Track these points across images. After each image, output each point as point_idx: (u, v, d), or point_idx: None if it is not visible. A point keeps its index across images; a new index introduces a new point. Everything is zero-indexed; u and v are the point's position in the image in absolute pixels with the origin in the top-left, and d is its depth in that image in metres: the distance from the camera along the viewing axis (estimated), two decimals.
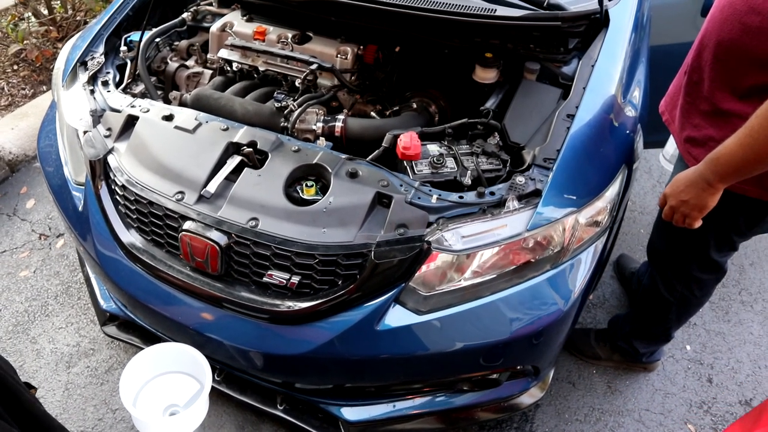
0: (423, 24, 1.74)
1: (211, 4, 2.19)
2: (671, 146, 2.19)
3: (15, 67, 3.46)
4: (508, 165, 1.53)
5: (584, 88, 1.64)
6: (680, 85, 1.58)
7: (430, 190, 1.41)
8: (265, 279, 1.43)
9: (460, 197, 1.40)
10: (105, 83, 1.84)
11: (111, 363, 2.07)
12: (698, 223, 1.41)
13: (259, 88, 1.88)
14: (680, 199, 1.38)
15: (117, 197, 1.63)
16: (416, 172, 1.49)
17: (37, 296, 2.29)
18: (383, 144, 1.57)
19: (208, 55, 2.04)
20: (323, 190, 1.46)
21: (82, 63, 1.92)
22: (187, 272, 1.51)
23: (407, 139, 1.48)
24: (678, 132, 1.58)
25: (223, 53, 1.96)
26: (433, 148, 1.56)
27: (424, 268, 1.36)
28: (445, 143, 1.59)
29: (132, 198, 1.56)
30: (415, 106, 1.83)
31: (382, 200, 1.40)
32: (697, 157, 1.45)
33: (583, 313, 2.32)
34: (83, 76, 1.87)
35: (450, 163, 1.52)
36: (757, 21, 1.25)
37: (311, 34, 1.94)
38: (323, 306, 1.38)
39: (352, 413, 1.65)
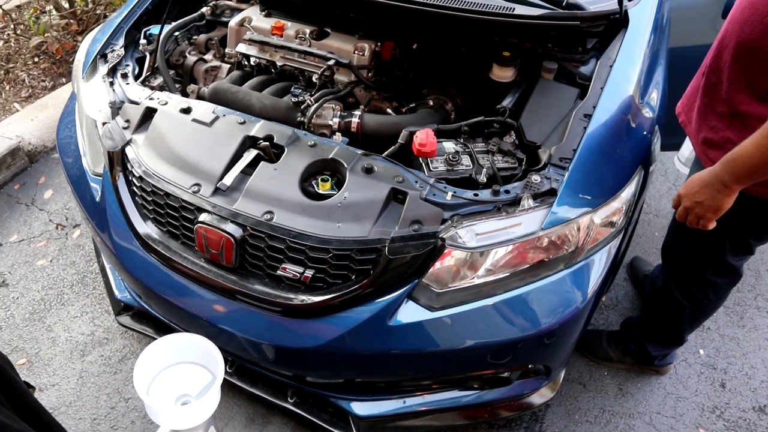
0: (441, 21, 1.74)
1: None
2: (686, 149, 2.17)
3: (36, 59, 3.50)
4: (523, 164, 1.53)
5: (602, 89, 1.63)
6: (698, 86, 1.57)
7: (445, 187, 1.41)
8: (279, 272, 1.44)
9: (475, 195, 1.40)
10: (124, 75, 1.86)
11: (125, 353, 2.09)
12: (712, 225, 1.40)
13: (277, 82, 1.89)
14: (695, 200, 1.37)
15: (134, 188, 1.64)
16: (431, 169, 1.50)
17: (53, 285, 2.32)
18: (399, 140, 1.57)
19: (227, 50, 2.06)
20: (338, 185, 1.46)
21: (102, 55, 1.94)
22: (201, 264, 1.53)
23: (423, 136, 1.48)
24: (695, 134, 1.57)
25: (241, 48, 1.97)
26: (449, 146, 1.56)
27: (437, 264, 1.37)
28: (461, 141, 1.58)
29: (149, 189, 1.58)
30: (431, 103, 1.83)
31: (397, 196, 1.41)
32: (713, 159, 1.44)
33: (595, 315, 2.31)
34: (103, 69, 1.89)
35: (465, 160, 1.52)
36: None
37: (329, 30, 1.95)
38: (336, 300, 1.39)
39: (362, 408, 1.66)
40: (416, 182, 1.42)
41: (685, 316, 1.86)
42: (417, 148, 1.48)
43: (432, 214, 1.36)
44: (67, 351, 2.10)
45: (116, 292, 1.97)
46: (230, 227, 1.42)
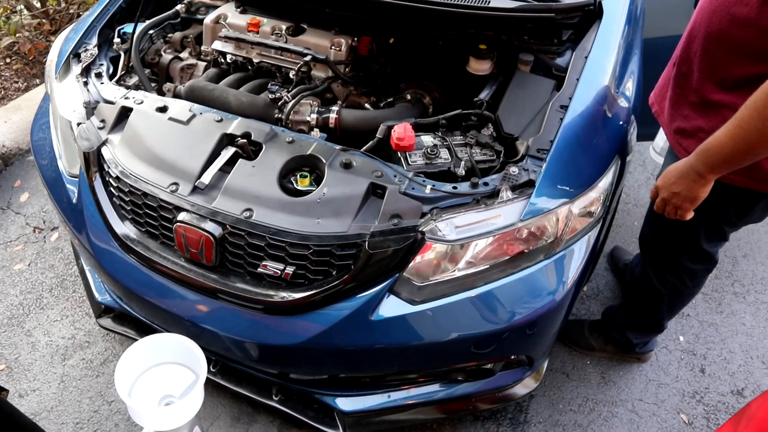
0: (417, 15, 1.74)
1: None
2: (661, 139, 2.20)
3: (8, 60, 3.44)
4: (501, 156, 1.53)
5: (578, 80, 1.65)
6: (669, 76, 1.59)
7: (423, 181, 1.42)
8: (259, 270, 1.43)
9: (454, 188, 1.40)
10: (98, 75, 1.84)
11: (106, 355, 2.07)
12: (690, 215, 1.42)
13: (253, 79, 1.87)
14: (672, 191, 1.39)
15: (111, 189, 1.62)
16: (410, 163, 1.50)
17: (32, 289, 2.28)
18: (377, 135, 1.58)
19: (202, 47, 2.04)
20: (317, 180, 1.46)
21: (76, 55, 1.91)
22: (181, 263, 1.51)
23: (401, 130, 1.48)
24: (668, 123, 1.59)
25: (217, 45, 1.96)
26: (427, 139, 1.56)
27: (418, 258, 1.37)
28: (439, 134, 1.59)
29: (126, 189, 1.56)
30: (409, 97, 1.83)
31: (376, 191, 1.41)
32: (687, 148, 1.46)
33: (576, 305, 2.34)
34: (76, 68, 1.86)
35: (444, 154, 1.52)
36: (744, 12, 1.25)
37: (305, 26, 1.94)
38: (318, 296, 1.39)
39: (347, 403, 1.66)
40: (395, 176, 1.42)
41: (663, 303, 1.88)
42: (395, 142, 1.48)
43: (411, 208, 1.36)
44: (48, 355, 2.07)
45: (96, 295, 1.95)
46: (209, 226, 1.41)
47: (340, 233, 1.36)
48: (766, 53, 1.25)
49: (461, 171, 1.47)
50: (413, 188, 1.40)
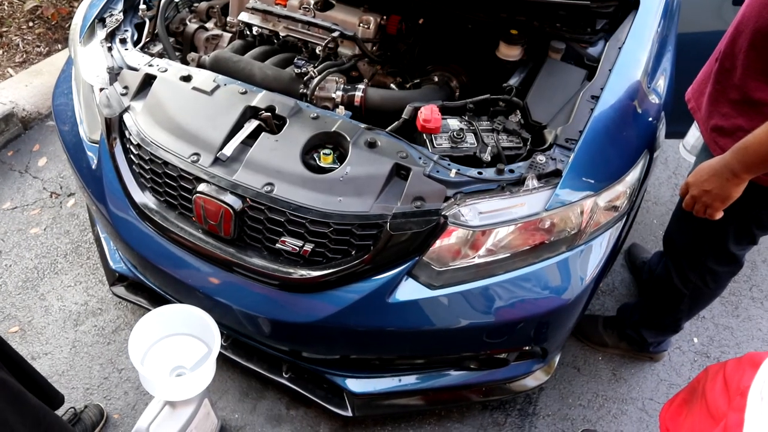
0: None
1: None
2: (692, 137, 2.15)
3: (30, 24, 3.43)
4: (528, 143, 1.50)
5: (610, 71, 1.61)
6: (710, 72, 1.54)
7: (448, 164, 1.39)
8: (277, 245, 1.42)
9: (479, 173, 1.38)
10: (123, 41, 1.82)
11: (118, 323, 2.07)
12: (719, 215, 1.38)
13: (279, 53, 1.85)
14: (703, 189, 1.35)
15: (131, 157, 1.61)
16: (435, 145, 1.47)
17: (47, 254, 2.29)
18: (403, 116, 1.55)
19: (228, 18, 2.01)
20: (340, 158, 1.44)
21: (101, 20, 1.90)
22: (199, 235, 1.50)
23: (428, 112, 1.46)
24: (704, 120, 1.54)
25: (244, 17, 1.93)
26: (454, 123, 1.54)
27: (438, 242, 1.35)
28: (466, 118, 1.56)
29: (147, 158, 1.55)
30: (436, 79, 1.80)
31: (400, 172, 1.38)
32: (723, 147, 1.41)
33: (592, 300, 2.31)
34: (101, 33, 1.85)
35: (470, 138, 1.49)
36: None
37: (334, 2, 1.90)
38: (335, 275, 1.37)
39: (357, 385, 1.66)
40: (420, 158, 1.40)
41: (683, 303, 1.85)
42: (421, 124, 1.45)
43: (435, 191, 1.34)
44: (60, 320, 2.08)
45: (111, 263, 1.95)
46: (229, 198, 1.40)
47: (361, 213, 1.34)
48: None
49: (487, 157, 1.44)
50: (438, 171, 1.37)
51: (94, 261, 2.26)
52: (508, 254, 1.38)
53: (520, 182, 1.37)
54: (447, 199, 1.34)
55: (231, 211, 1.40)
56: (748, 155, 1.24)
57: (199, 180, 1.44)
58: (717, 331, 2.29)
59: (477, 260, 1.38)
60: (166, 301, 1.76)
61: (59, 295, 2.15)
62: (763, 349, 2.24)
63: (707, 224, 1.49)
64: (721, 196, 1.33)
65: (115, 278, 1.97)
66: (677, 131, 2.21)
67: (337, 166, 1.41)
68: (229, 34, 1.98)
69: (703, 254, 1.70)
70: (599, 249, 1.47)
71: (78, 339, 2.02)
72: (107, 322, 2.07)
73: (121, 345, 2.00)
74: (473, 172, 1.38)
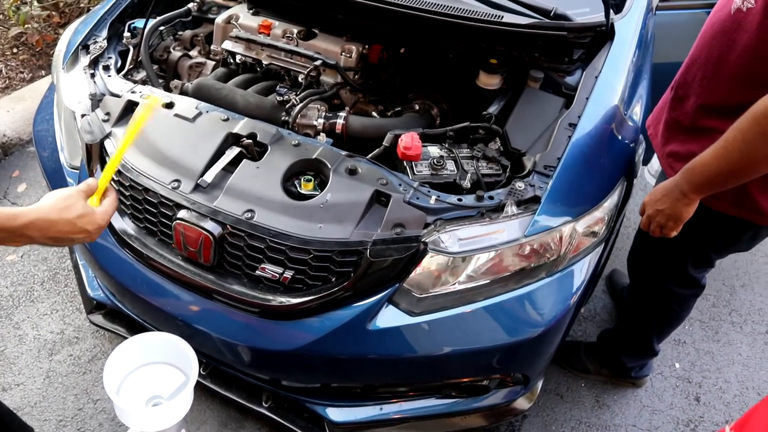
0: (429, 26, 1.74)
1: None
2: (656, 161, 2.20)
3: (14, 50, 3.43)
4: (508, 170, 1.52)
5: (587, 99, 1.64)
6: (666, 100, 1.60)
7: (428, 191, 1.40)
8: (257, 272, 1.41)
9: (459, 200, 1.39)
10: (106, 68, 1.83)
11: (95, 352, 2.03)
12: (674, 233, 1.42)
13: (262, 81, 1.86)
14: (656, 208, 1.40)
15: (112, 183, 1.60)
16: (416, 172, 1.48)
17: (23, 281, 2.25)
18: (384, 143, 1.56)
19: (212, 47, 2.03)
20: (321, 185, 1.44)
21: (84, 47, 1.90)
22: (178, 262, 1.49)
23: (408, 140, 1.47)
24: (661, 146, 1.60)
25: (228, 45, 1.95)
26: (434, 150, 1.55)
27: (419, 269, 1.35)
28: (446, 146, 1.58)
29: (127, 184, 1.54)
30: (417, 107, 1.82)
31: (380, 199, 1.39)
32: (678, 171, 1.45)
33: (573, 326, 2.31)
34: (84, 60, 1.85)
35: (450, 165, 1.51)
36: (744, 38, 1.26)
37: (317, 31, 1.93)
38: (315, 302, 1.37)
39: (338, 414, 1.63)
40: (400, 185, 1.40)
41: (651, 326, 1.89)
42: (402, 151, 1.46)
43: (415, 218, 1.34)
44: (35, 350, 2.03)
45: (89, 290, 1.92)
46: (209, 225, 1.39)
47: (341, 239, 1.34)
48: (762, 80, 1.25)
49: (467, 184, 1.46)
50: (418, 198, 1.38)
51: (71, 288, 2.23)
52: (489, 280, 1.39)
53: (499, 209, 1.38)
54: (427, 225, 1.35)
55: (211, 237, 1.39)
56: (695, 176, 1.28)
57: (180, 206, 1.44)
58: (698, 356, 2.30)
59: (457, 286, 1.38)
60: (145, 330, 1.74)
61: (34, 323, 2.11)
62: (743, 374, 2.25)
63: (666, 248, 1.53)
64: (673, 215, 1.37)
65: (92, 306, 1.93)
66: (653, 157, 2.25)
67: (317, 193, 1.41)
68: (213, 62, 1.99)
69: (664, 278, 1.74)
70: (579, 274, 1.48)
71: (52, 369, 1.98)
72: (83, 351, 2.03)
73: (97, 375, 1.96)
74: (453, 198, 1.39)
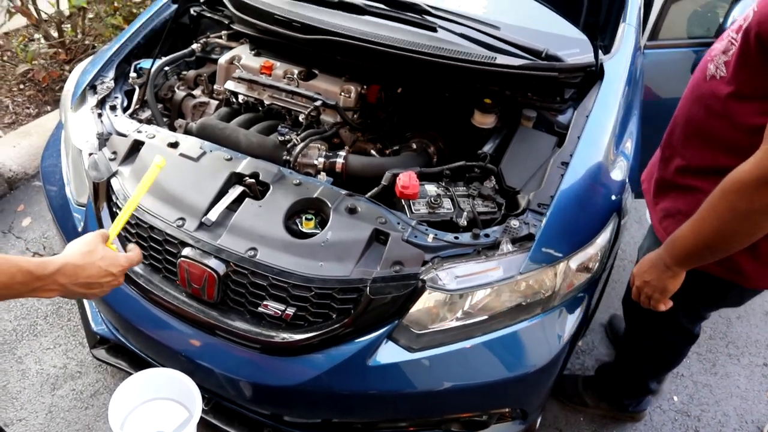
0: (425, 68, 1.80)
1: (220, 37, 2.25)
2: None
3: (21, 86, 3.51)
4: (503, 208, 1.57)
5: (579, 138, 1.69)
6: (657, 158, 1.63)
7: (426, 230, 1.44)
8: (260, 309, 1.44)
9: (456, 238, 1.43)
10: (113, 107, 1.88)
11: (97, 387, 2.05)
12: (663, 307, 1.40)
13: (264, 120, 1.92)
14: (643, 280, 1.39)
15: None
16: (413, 211, 1.53)
17: (26, 315, 2.28)
18: (382, 182, 1.61)
19: (215, 86, 2.09)
20: (322, 224, 1.49)
21: (92, 87, 1.96)
22: (182, 298, 1.52)
23: (406, 179, 1.52)
24: (651, 202, 1.61)
25: (230, 85, 2.01)
26: (431, 189, 1.60)
27: (417, 306, 1.39)
28: (443, 184, 1.62)
29: (132, 222, 1.58)
30: (414, 146, 1.88)
31: (379, 237, 1.43)
32: (667, 228, 1.48)
33: (571, 359, 2.33)
34: (92, 100, 1.91)
35: (447, 203, 1.55)
36: (717, 105, 1.28)
37: (317, 72, 2.00)
38: (317, 339, 1.40)
39: None
40: (398, 224, 1.45)
41: (646, 368, 1.90)
42: (400, 190, 1.51)
43: (413, 256, 1.38)
44: (37, 384, 2.05)
45: (92, 324, 1.94)
46: (213, 262, 1.43)
47: (342, 277, 1.37)
48: (736, 147, 1.24)
49: (463, 222, 1.50)
50: (416, 236, 1.42)
51: (75, 323, 2.25)
52: (486, 317, 1.42)
53: (495, 246, 1.42)
54: (425, 263, 1.39)
55: (215, 275, 1.43)
56: (676, 249, 1.28)
57: (184, 244, 1.48)
58: (696, 389, 2.32)
59: (455, 323, 1.41)
60: (148, 365, 1.76)
61: (37, 357, 2.13)
62: (742, 407, 2.27)
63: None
64: (659, 288, 1.37)
65: (96, 341, 1.95)
66: None
67: (318, 232, 1.45)
68: (216, 102, 2.05)
69: (657, 327, 1.75)
70: (574, 310, 1.52)
71: (55, 404, 1.99)
72: (86, 386, 2.05)
73: (99, 410, 1.97)
74: (450, 236, 1.43)
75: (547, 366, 1.47)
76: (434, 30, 1.82)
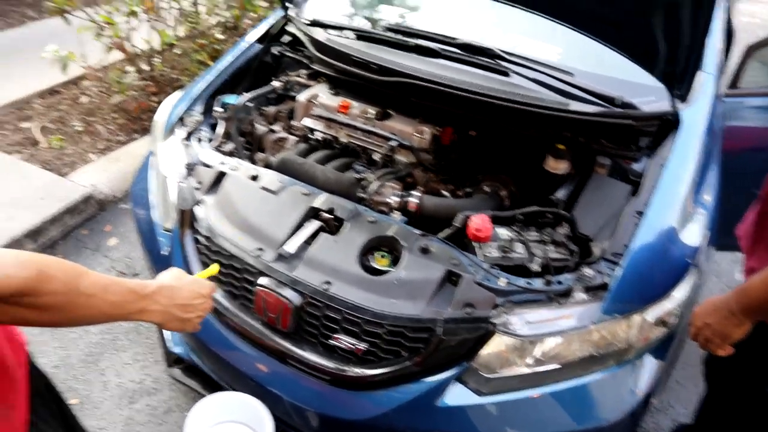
0: (499, 111, 1.83)
1: (300, 76, 2.36)
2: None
3: (114, 115, 3.77)
4: (576, 256, 1.56)
5: (654, 187, 1.67)
6: (755, 211, 1.58)
7: (498, 273, 1.46)
8: (332, 342, 1.49)
9: (528, 283, 1.44)
10: (199, 140, 2.01)
11: (170, 405, 2.14)
12: (722, 352, 1.35)
13: (340, 157, 1.99)
14: (704, 321, 1.35)
15: (200, 246, 1.74)
16: (485, 254, 1.54)
17: (109, 330, 2.42)
18: (455, 223, 1.63)
19: (293, 122, 2.19)
20: (395, 261, 1.53)
21: (181, 119, 2.10)
22: (257, 326, 1.59)
23: (479, 221, 1.54)
24: (745, 259, 1.56)
25: (308, 122, 2.10)
26: (503, 233, 1.61)
27: (487, 349, 1.40)
28: (515, 228, 1.63)
29: (214, 249, 1.67)
30: (486, 189, 1.90)
31: (451, 278, 1.46)
32: None
33: (644, 418, 2.24)
34: (181, 132, 2.04)
35: (519, 248, 1.56)
36: None
37: (392, 112, 2.06)
38: (387, 375, 1.43)
39: None
40: (470, 266, 1.47)
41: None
42: (472, 232, 1.53)
43: (485, 299, 1.40)
44: (117, 396, 2.16)
45: (170, 344, 2.04)
46: (289, 293, 1.49)
47: (413, 316, 1.40)
48: None
49: (536, 267, 1.50)
50: (488, 279, 1.44)
51: (152, 341, 2.37)
52: (556, 365, 1.41)
53: (567, 294, 1.42)
54: (496, 306, 1.40)
55: (290, 305, 1.49)
56: (747, 297, 1.24)
57: (262, 274, 1.55)
58: None
59: (525, 369, 1.41)
60: (219, 388, 1.83)
61: (117, 371, 2.25)
62: None
63: (739, 367, 1.44)
64: (720, 332, 1.32)
65: (172, 360, 2.05)
66: (727, 244, 2.22)
67: (391, 269, 1.49)
68: (294, 137, 2.15)
69: (742, 392, 1.65)
70: (649, 365, 1.49)
71: (131, 417, 2.10)
72: (160, 403, 2.15)
73: (172, 427, 2.06)
74: (522, 281, 1.44)
75: (620, 422, 1.43)
76: (507, 75, 1.85)
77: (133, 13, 3.45)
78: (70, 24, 3.35)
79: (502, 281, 1.43)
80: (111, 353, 2.32)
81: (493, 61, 1.89)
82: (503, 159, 2.04)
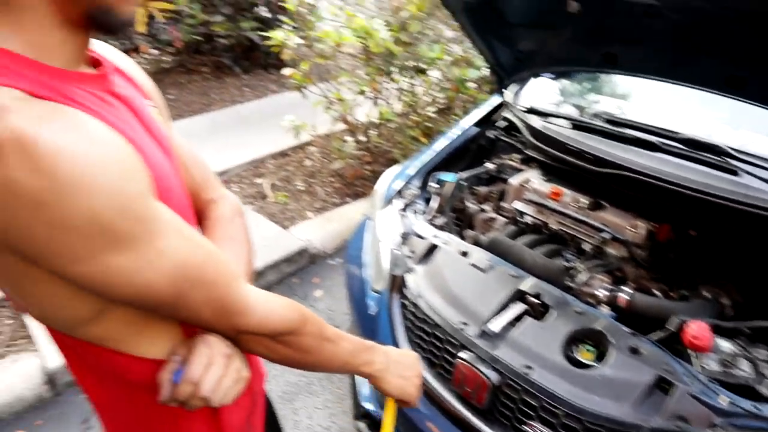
0: (723, 213, 1.72)
1: (512, 159, 2.46)
2: None
3: (331, 179, 4.24)
4: None
5: None
6: None
7: (718, 389, 1.35)
8: (525, 428, 1.48)
9: (756, 407, 1.30)
10: (415, 212, 2.18)
11: None
12: None
13: (548, 243, 2.02)
14: None
15: (406, 311, 1.87)
16: (703, 365, 1.44)
17: (305, 374, 2.65)
18: (669, 327, 1.55)
19: (504, 204, 2.28)
20: (600, 357, 1.49)
21: (399, 191, 2.31)
22: (450, 398, 1.64)
23: (697, 328, 1.45)
24: None
25: (519, 205, 2.17)
26: (725, 345, 1.49)
27: None
28: (740, 343, 1.50)
29: (419, 315, 1.78)
30: (706, 294, 1.77)
31: (662, 384, 1.38)
32: None
33: None
34: (398, 202, 2.24)
35: (744, 365, 1.43)
36: None
37: (604, 203, 2.05)
38: None
39: None
40: (686, 375, 1.38)
41: None
42: (689, 339, 1.44)
43: (700, 415, 1.30)
44: None
45: (361, 398, 2.18)
46: (489, 371, 1.53)
47: (616, 417, 1.35)
48: None
49: (765, 391, 1.36)
50: (705, 394, 1.34)
51: (342, 392, 2.54)
52: None
53: None
54: (713, 426, 1.29)
55: (489, 383, 1.52)
56: None
57: (463, 347, 1.61)
58: None
59: None
60: None
61: (309, 414, 2.45)
62: None
63: None
64: None
65: (360, 413, 2.17)
66: None
67: (596, 365, 1.46)
68: (503, 219, 2.23)
69: None
70: None
71: None
72: None
73: None
74: (747, 404, 1.31)
75: None
76: (736, 174, 1.75)
77: (362, 92, 3.92)
78: (306, 98, 3.90)
79: (724, 399, 1.32)
80: (305, 395, 2.54)
81: (720, 158, 1.80)
82: (727, 264, 1.89)
